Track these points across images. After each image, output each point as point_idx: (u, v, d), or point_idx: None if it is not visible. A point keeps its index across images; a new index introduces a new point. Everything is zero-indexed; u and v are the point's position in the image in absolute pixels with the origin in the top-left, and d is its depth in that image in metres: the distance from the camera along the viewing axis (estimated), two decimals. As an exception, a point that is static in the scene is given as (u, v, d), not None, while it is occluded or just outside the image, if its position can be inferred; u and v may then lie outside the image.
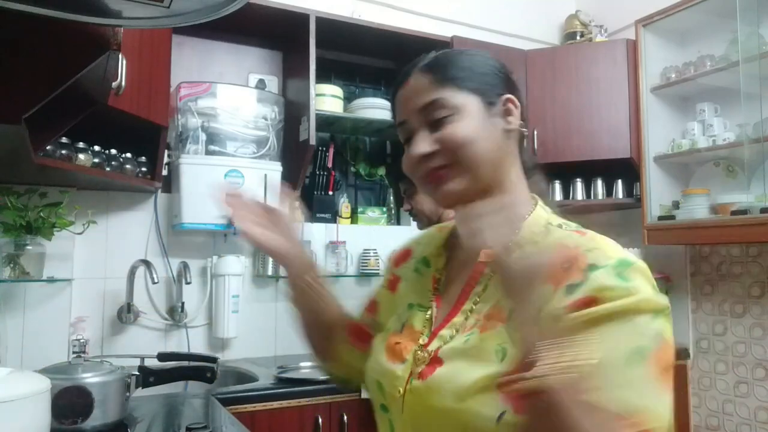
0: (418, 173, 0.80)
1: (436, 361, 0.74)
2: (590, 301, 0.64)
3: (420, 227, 1.78)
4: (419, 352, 0.77)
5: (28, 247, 1.87)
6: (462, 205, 0.78)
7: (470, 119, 0.78)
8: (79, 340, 1.48)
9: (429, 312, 0.82)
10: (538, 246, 0.73)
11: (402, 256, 0.98)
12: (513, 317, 0.63)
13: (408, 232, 2.73)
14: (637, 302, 0.65)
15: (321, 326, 1.01)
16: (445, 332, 0.77)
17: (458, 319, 0.77)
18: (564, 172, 2.76)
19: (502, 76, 0.85)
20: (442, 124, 0.78)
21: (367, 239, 2.65)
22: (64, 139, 1.69)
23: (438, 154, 0.78)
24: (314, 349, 1.04)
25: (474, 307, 0.76)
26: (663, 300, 0.69)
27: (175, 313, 2.25)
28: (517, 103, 0.82)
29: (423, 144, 0.78)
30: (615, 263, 0.68)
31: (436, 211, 1.77)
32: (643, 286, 0.67)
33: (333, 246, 2.54)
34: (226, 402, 1.67)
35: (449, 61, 0.84)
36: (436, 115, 0.78)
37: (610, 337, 0.64)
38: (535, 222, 0.79)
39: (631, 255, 0.71)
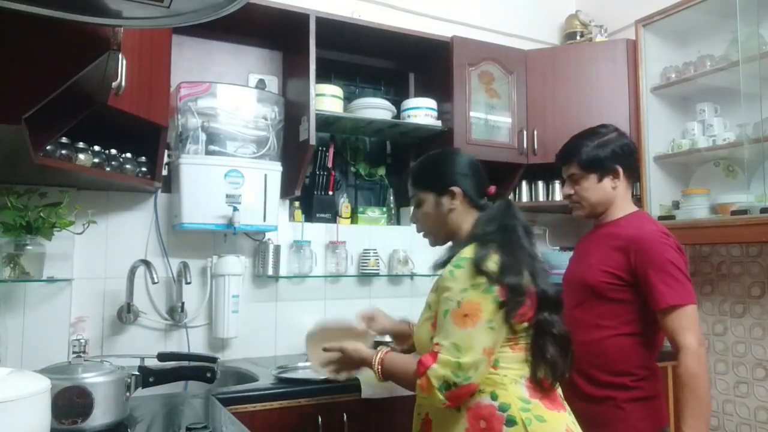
0: (571, 201, 1.76)
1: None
2: (441, 280, 1.35)
3: (578, 214, 1.80)
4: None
5: (28, 247, 1.86)
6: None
7: (427, 207, 1.47)
8: (79, 340, 1.48)
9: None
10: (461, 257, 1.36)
11: None
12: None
13: (408, 232, 2.73)
14: (451, 275, 1.31)
15: None
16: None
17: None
18: (564, 172, 2.77)
19: (448, 173, 1.45)
20: (417, 209, 1.51)
21: (367, 239, 2.65)
22: (64, 139, 1.69)
23: (574, 195, 1.73)
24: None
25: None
26: (474, 277, 1.28)
27: (175, 313, 2.25)
28: (458, 191, 1.43)
29: (566, 190, 1.76)
30: (455, 261, 1.34)
31: (602, 203, 1.75)
32: (459, 271, 1.30)
33: (333, 246, 2.54)
34: (226, 402, 1.67)
35: (418, 171, 1.53)
36: (413, 203, 1.52)
37: (440, 302, 1.31)
38: (465, 250, 1.34)
39: (468, 255, 1.31)
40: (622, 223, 1.71)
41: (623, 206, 1.74)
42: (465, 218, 1.44)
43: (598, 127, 1.77)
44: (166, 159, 2.18)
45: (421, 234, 1.52)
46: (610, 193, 1.72)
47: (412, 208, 1.52)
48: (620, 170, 1.70)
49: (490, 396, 1.26)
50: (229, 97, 2.24)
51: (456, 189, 1.42)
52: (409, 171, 1.51)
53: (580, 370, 1.57)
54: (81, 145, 1.78)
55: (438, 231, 1.47)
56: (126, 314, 2.15)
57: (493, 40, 2.78)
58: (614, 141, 1.71)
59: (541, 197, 2.82)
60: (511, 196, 2.81)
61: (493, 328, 1.24)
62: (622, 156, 1.70)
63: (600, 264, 1.65)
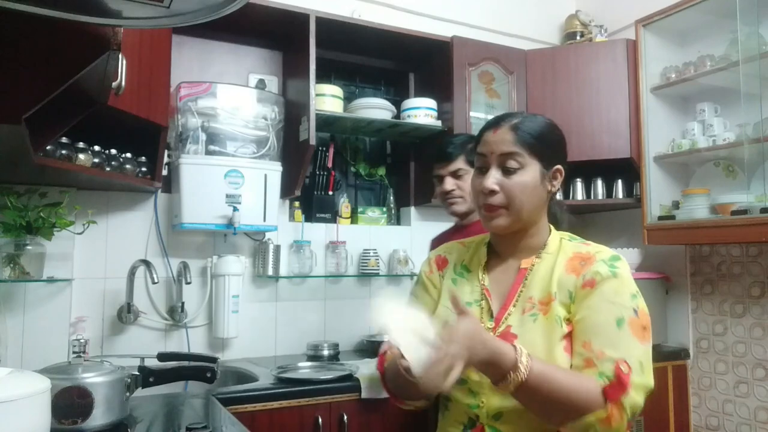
0: (480, 201, 1.14)
1: (511, 336, 1.07)
2: (592, 281, 1.07)
3: (456, 210, 1.82)
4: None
5: (28, 247, 1.87)
6: (504, 233, 1.17)
7: (529, 178, 1.12)
8: (79, 340, 1.47)
9: (482, 304, 1.16)
10: (559, 254, 1.14)
11: (442, 263, 1.28)
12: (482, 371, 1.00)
13: (408, 232, 2.74)
14: (615, 275, 1.07)
15: None
16: (509, 316, 1.11)
17: (513, 308, 1.11)
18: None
19: (560, 149, 1.19)
20: (510, 173, 1.12)
21: (367, 239, 2.65)
22: (64, 139, 1.69)
23: (498, 194, 1.12)
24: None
25: (519, 299, 1.12)
26: (635, 287, 1.08)
27: (175, 313, 2.25)
28: (563, 172, 1.17)
29: (492, 181, 1.12)
30: (608, 258, 1.10)
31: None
32: (623, 269, 1.08)
33: (333, 246, 2.54)
34: (226, 402, 1.67)
35: (530, 128, 1.14)
36: (509, 164, 1.12)
37: (601, 308, 1.04)
38: (554, 239, 1.18)
39: (619, 254, 1.12)
40: None
41: None
42: (545, 209, 1.19)
43: (456, 134, 1.93)
44: (166, 159, 2.19)
45: (489, 209, 1.12)
46: None
47: (494, 170, 1.12)
48: None
49: None
50: (229, 97, 2.24)
51: (562, 169, 1.17)
52: (512, 121, 1.14)
53: None
54: (81, 145, 1.78)
55: (525, 211, 1.12)
56: (126, 314, 2.15)
57: (493, 40, 2.78)
58: None
59: (541, 197, 2.82)
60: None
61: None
62: None
63: None
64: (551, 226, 1.21)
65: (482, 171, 1.14)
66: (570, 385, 0.96)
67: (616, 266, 1.07)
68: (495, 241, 1.22)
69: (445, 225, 2.04)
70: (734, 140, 2.29)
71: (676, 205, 2.49)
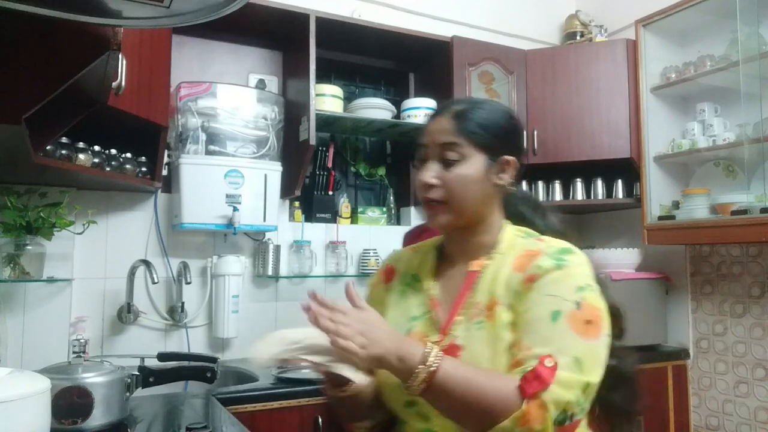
0: (420, 195, 1.04)
1: (457, 348, 0.96)
2: (533, 276, 0.95)
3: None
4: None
5: (28, 247, 1.87)
6: (449, 232, 1.08)
7: (472, 171, 1.01)
8: (79, 340, 1.47)
9: (429, 317, 1.04)
10: (511, 253, 1.02)
11: (390, 274, 1.17)
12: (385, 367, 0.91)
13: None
14: (558, 268, 0.94)
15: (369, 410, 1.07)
16: (455, 327, 0.99)
17: (460, 317, 1.00)
18: (564, 172, 2.77)
19: (510, 139, 1.06)
20: (450, 165, 1.01)
21: (367, 239, 2.65)
22: (64, 139, 1.69)
23: (437, 188, 1.01)
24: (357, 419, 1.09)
25: (466, 306, 1.00)
26: (590, 281, 0.96)
27: (175, 313, 2.25)
28: (515, 164, 1.04)
29: (430, 174, 1.02)
30: (556, 251, 0.98)
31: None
32: (571, 261, 0.96)
33: (333, 246, 2.54)
34: (226, 402, 1.67)
35: (474, 116, 1.03)
36: (448, 155, 1.01)
37: (538, 302, 0.92)
38: (507, 237, 1.06)
39: (575, 248, 1.00)
40: None
41: None
42: (495, 204, 1.07)
43: None
44: (166, 159, 2.18)
45: (429, 205, 1.04)
46: None
47: (432, 162, 1.02)
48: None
49: None
50: (229, 97, 2.24)
51: (513, 160, 1.04)
52: (455, 108, 1.03)
53: None
54: (81, 145, 1.78)
55: (469, 206, 1.02)
56: (126, 314, 2.15)
57: (493, 40, 2.78)
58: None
59: (541, 197, 2.82)
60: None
61: (607, 346, 0.92)
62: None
63: None
64: (506, 222, 1.09)
65: (422, 163, 1.04)
66: (483, 385, 0.86)
67: (564, 258, 0.95)
68: (445, 243, 1.12)
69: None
70: (734, 140, 2.29)
71: (676, 205, 2.49)
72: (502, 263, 1.01)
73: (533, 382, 0.84)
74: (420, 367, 0.87)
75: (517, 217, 1.11)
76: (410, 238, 1.84)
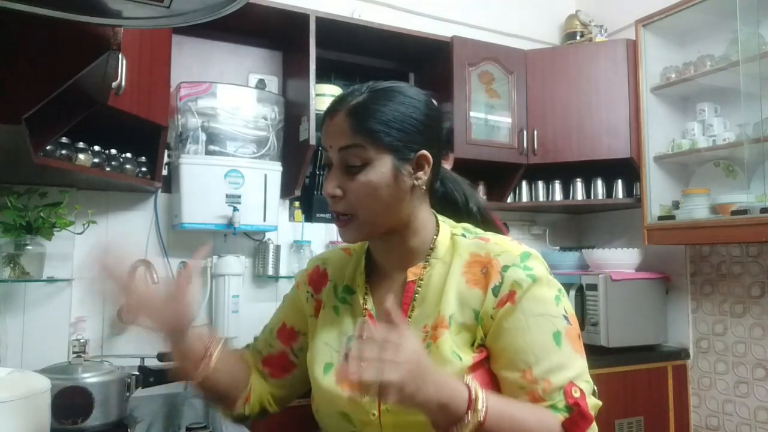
0: (330, 207, 0.91)
1: None
2: (510, 294, 0.84)
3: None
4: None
5: (28, 247, 1.86)
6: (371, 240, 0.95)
7: (378, 176, 0.86)
8: (79, 340, 1.48)
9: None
10: (453, 257, 0.90)
11: (320, 280, 1.03)
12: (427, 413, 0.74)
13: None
14: (534, 282, 0.84)
15: (233, 385, 1.01)
16: None
17: None
18: (564, 172, 2.77)
19: (422, 130, 0.89)
20: (352, 172, 0.86)
21: (367, 239, 2.64)
22: (64, 139, 1.69)
23: (342, 200, 0.87)
24: (227, 406, 1.02)
25: (410, 320, 0.89)
26: (555, 281, 0.88)
27: (175, 313, 2.25)
28: (431, 159, 0.89)
29: (333, 184, 0.88)
30: (519, 259, 0.86)
31: None
32: (539, 269, 0.87)
33: (333, 246, 2.53)
34: (226, 402, 1.66)
35: (374, 110, 0.86)
36: (350, 160, 0.86)
37: (531, 326, 0.83)
38: (444, 237, 0.93)
39: (528, 247, 0.90)
40: None
41: None
42: (422, 202, 0.93)
43: None
44: (166, 159, 2.18)
45: (336, 219, 0.91)
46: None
47: (335, 169, 0.89)
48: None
49: None
50: (229, 97, 2.24)
51: (428, 155, 0.89)
52: (351, 103, 0.88)
53: None
54: (81, 145, 1.78)
55: (381, 217, 0.88)
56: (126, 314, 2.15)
57: (493, 40, 2.78)
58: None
59: (541, 197, 2.82)
60: (511, 197, 2.81)
61: None
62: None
63: None
64: (439, 219, 0.96)
65: (329, 170, 0.90)
66: (528, 421, 0.77)
67: (531, 267, 0.85)
68: (371, 246, 0.97)
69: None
70: (734, 140, 2.29)
71: (676, 205, 2.49)
72: (446, 272, 0.89)
73: (580, 422, 0.79)
74: (469, 414, 0.72)
75: (447, 202, 1.01)
76: None
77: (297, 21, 2.31)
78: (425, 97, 0.92)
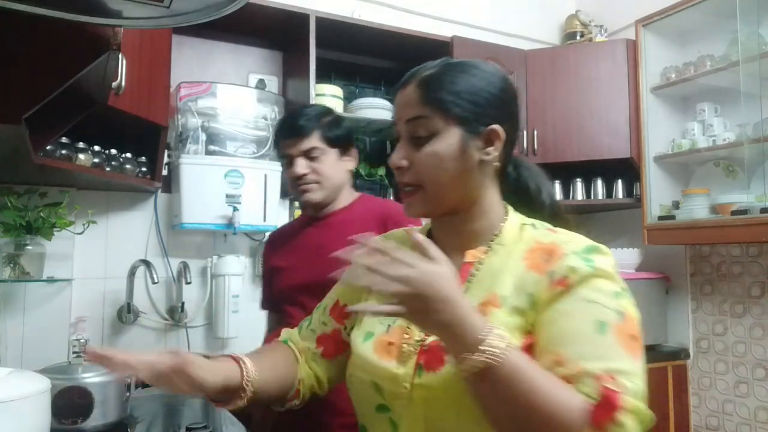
0: (396, 178, 0.88)
1: (440, 351, 0.80)
2: (563, 279, 0.79)
3: (311, 199, 1.50)
4: (415, 345, 0.82)
5: (28, 247, 1.86)
6: (433, 218, 0.92)
7: (445, 147, 0.84)
8: (79, 340, 1.47)
9: None
10: (519, 244, 0.86)
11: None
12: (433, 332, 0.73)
13: (408, 232, 2.73)
14: (595, 271, 0.79)
15: (280, 391, 0.96)
16: None
17: None
18: (564, 172, 2.77)
19: (495, 104, 0.87)
20: (420, 144, 0.84)
21: (367, 239, 2.64)
22: (64, 139, 1.69)
23: (408, 171, 0.86)
24: (280, 405, 0.99)
25: None
26: (623, 282, 0.82)
27: (175, 313, 2.25)
28: (502, 135, 0.86)
29: (399, 155, 0.86)
30: (582, 249, 0.82)
31: (341, 185, 1.54)
32: (603, 263, 0.81)
33: (333, 246, 2.53)
34: (226, 402, 1.66)
35: (444, 81, 0.85)
36: (416, 132, 0.85)
37: (576, 310, 0.77)
38: (511, 225, 0.89)
39: (598, 244, 0.84)
40: (355, 208, 1.53)
41: (351, 192, 1.57)
42: (491, 182, 0.90)
43: (310, 105, 1.60)
44: (166, 159, 2.19)
45: (403, 191, 0.88)
46: (346, 175, 1.54)
47: (402, 142, 0.88)
48: (355, 150, 1.56)
49: None
50: (229, 97, 2.24)
51: (498, 130, 0.86)
52: (422, 75, 0.87)
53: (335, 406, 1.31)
54: (81, 145, 1.78)
55: (447, 190, 0.86)
56: (126, 314, 2.15)
57: (493, 40, 2.78)
58: (341, 119, 1.57)
59: (541, 197, 2.82)
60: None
61: None
62: (352, 136, 1.57)
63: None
64: (508, 207, 0.93)
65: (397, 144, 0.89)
66: (550, 392, 0.69)
67: (593, 259, 0.81)
68: (433, 228, 0.96)
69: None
70: (734, 140, 2.29)
71: (676, 205, 2.49)
72: (507, 256, 0.86)
73: (604, 410, 0.69)
74: (479, 352, 0.67)
75: (519, 189, 0.96)
76: (279, 239, 1.65)
77: (297, 21, 2.32)
78: (502, 74, 0.90)
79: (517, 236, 0.88)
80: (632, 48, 2.62)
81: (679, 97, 2.61)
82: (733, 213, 2.18)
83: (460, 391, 0.73)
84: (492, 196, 0.90)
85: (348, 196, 1.55)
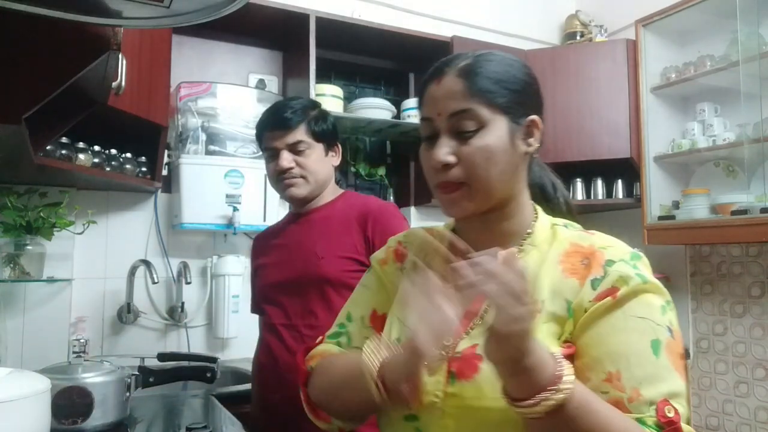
0: (435, 179, 0.82)
1: (476, 358, 0.75)
2: (613, 290, 0.75)
3: (296, 194, 1.47)
4: (446, 354, 0.75)
5: (28, 247, 1.86)
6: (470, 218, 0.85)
7: (495, 140, 0.79)
8: (79, 340, 1.47)
9: None
10: (551, 246, 0.82)
11: (400, 256, 0.96)
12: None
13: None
14: (645, 285, 0.76)
15: None
16: (474, 331, 0.79)
17: (481, 320, 0.79)
18: (564, 172, 2.75)
19: (531, 93, 0.84)
20: (467, 137, 0.79)
21: (367, 239, 2.64)
22: (64, 139, 1.69)
23: (456, 167, 0.80)
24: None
25: (489, 306, 0.78)
26: (666, 292, 0.81)
27: (175, 313, 2.25)
28: (540, 124, 0.83)
29: (445, 151, 0.80)
30: (629, 257, 0.79)
31: (326, 181, 1.52)
32: (650, 274, 0.79)
33: (333, 246, 2.53)
34: (226, 402, 1.66)
35: (485, 70, 0.81)
36: (463, 126, 0.79)
37: (629, 327, 0.74)
38: (543, 225, 0.86)
39: (638, 251, 0.82)
40: (338, 204, 1.50)
41: (335, 188, 1.55)
42: (523, 180, 0.86)
43: (296, 98, 1.58)
44: (166, 159, 2.19)
45: (446, 189, 0.82)
46: (331, 171, 1.52)
47: (444, 137, 0.81)
48: (339, 146, 1.55)
49: None
50: (229, 97, 2.24)
51: (538, 121, 0.83)
52: (460, 65, 0.81)
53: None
54: (81, 145, 1.78)
55: (495, 185, 0.81)
56: (126, 314, 2.15)
57: (493, 40, 2.78)
58: (327, 113, 1.54)
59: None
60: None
61: None
62: (337, 131, 1.55)
63: (334, 250, 1.40)
64: (536, 206, 0.89)
65: (431, 141, 0.83)
66: (615, 424, 0.67)
67: (640, 268, 0.78)
68: (460, 228, 0.91)
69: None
70: (734, 140, 2.29)
71: (676, 205, 2.49)
72: (541, 259, 0.81)
73: None
74: (550, 392, 0.63)
75: (535, 187, 0.92)
76: (264, 240, 1.63)
77: (297, 21, 2.32)
78: (524, 61, 0.87)
79: (550, 237, 0.84)
80: (632, 48, 2.62)
81: (679, 97, 2.61)
82: (733, 213, 2.18)
83: (496, 401, 0.69)
84: (525, 192, 0.87)
85: (331, 192, 1.53)
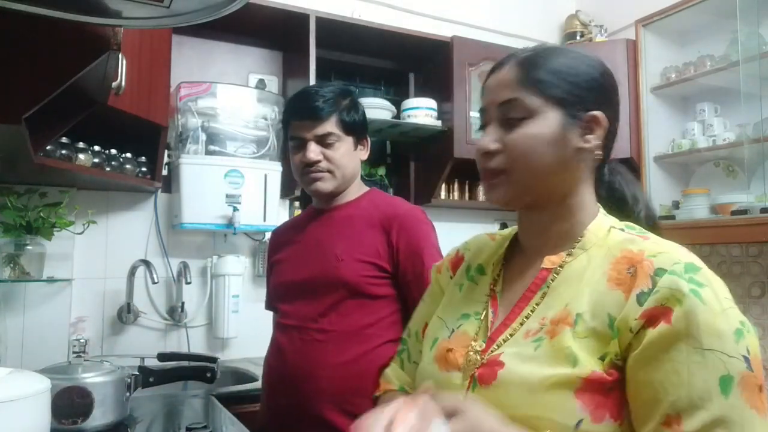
0: (479, 165, 0.81)
1: (497, 364, 0.74)
2: (664, 312, 0.65)
3: (321, 189, 1.42)
4: (476, 357, 0.76)
5: (28, 247, 1.87)
6: (521, 211, 0.84)
7: (542, 130, 0.76)
8: (79, 340, 1.47)
9: (482, 317, 0.82)
10: (603, 249, 0.75)
11: (457, 263, 0.95)
12: None
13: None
14: (706, 305, 0.65)
15: None
16: (506, 337, 0.77)
17: (516, 324, 0.77)
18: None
19: (597, 89, 0.80)
20: (513, 125, 0.77)
21: (367, 239, 2.64)
22: (64, 139, 1.69)
23: (499, 155, 0.78)
24: None
25: (531, 312, 0.76)
26: (738, 312, 0.67)
27: (175, 313, 2.25)
28: (604, 122, 0.78)
29: (489, 139, 0.79)
30: (683, 269, 0.68)
31: (353, 176, 1.47)
32: (712, 288, 0.67)
33: (333, 246, 2.53)
34: (226, 402, 1.66)
35: (544, 61, 0.78)
36: (510, 114, 0.77)
37: (692, 362, 0.63)
38: (598, 227, 0.79)
39: (699, 260, 0.71)
40: (363, 203, 1.43)
41: (360, 184, 1.47)
42: (587, 177, 0.81)
43: (327, 84, 1.49)
44: (166, 159, 2.19)
45: (486, 177, 0.81)
46: (359, 166, 1.45)
47: (492, 126, 0.80)
48: (368, 140, 1.47)
49: None
50: (229, 97, 2.24)
51: (600, 117, 0.78)
52: (520, 56, 0.80)
53: (335, 402, 1.27)
54: (81, 145, 1.78)
55: (536, 176, 0.77)
56: (126, 314, 2.15)
57: (493, 40, 2.78)
58: (359, 103, 1.44)
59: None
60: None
61: None
62: (367, 123, 1.46)
63: (354, 253, 1.33)
64: (601, 209, 0.82)
65: (484, 131, 0.83)
66: None
67: (700, 281, 0.68)
68: (520, 229, 0.87)
69: (448, 225, 2.02)
70: (734, 140, 2.30)
71: (676, 205, 2.49)
72: (588, 264, 0.75)
73: None
74: None
75: (610, 196, 0.86)
76: (283, 234, 1.58)
77: (297, 21, 2.32)
78: (601, 60, 0.83)
79: (602, 241, 0.77)
80: (632, 48, 2.62)
81: (679, 97, 2.61)
82: (733, 213, 2.18)
83: (512, 408, 0.69)
84: (586, 193, 0.81)
85: (357, 189, 1.46)
